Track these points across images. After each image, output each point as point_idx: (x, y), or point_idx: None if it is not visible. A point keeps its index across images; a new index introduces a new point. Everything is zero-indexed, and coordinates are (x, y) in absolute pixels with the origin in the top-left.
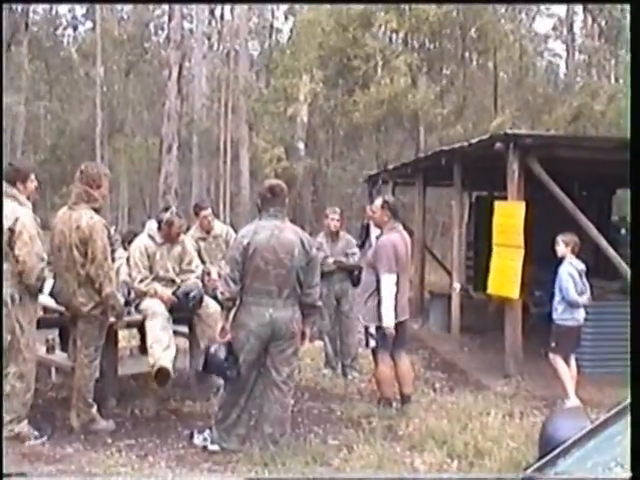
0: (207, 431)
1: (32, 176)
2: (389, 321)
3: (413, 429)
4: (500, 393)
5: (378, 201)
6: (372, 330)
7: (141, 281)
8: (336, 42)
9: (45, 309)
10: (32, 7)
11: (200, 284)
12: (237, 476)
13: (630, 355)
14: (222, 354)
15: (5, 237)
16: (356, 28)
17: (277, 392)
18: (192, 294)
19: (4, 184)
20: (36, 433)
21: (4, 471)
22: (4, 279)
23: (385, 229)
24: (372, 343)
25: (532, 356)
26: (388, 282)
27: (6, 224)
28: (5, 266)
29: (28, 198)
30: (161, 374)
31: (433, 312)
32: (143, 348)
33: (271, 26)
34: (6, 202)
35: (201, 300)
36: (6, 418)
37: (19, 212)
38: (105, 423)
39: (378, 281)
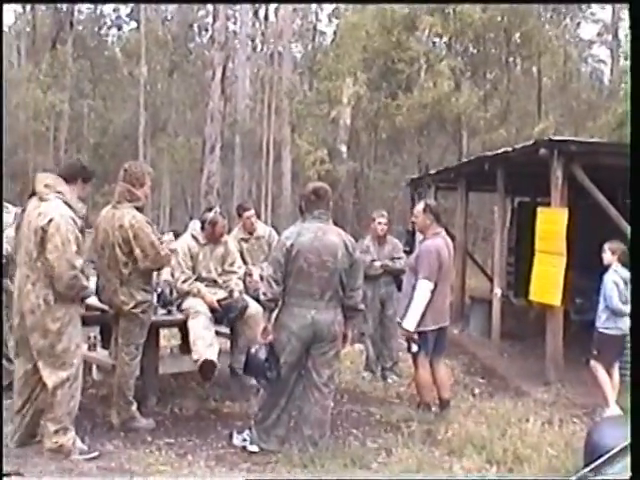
0: (246, 431)
1: (91, 181)
2: (410, 324)
3: (452, 434)
4: (540, 400)
5: (420, 205)
6: (412, 335)
7: (184, 281)
8: (380, 45)
9: (87, 307)
10: (77, 6)
11: (242, 287)
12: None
13: (631, 360)
14: (263, 355)
15: (37, 236)
16: (400, 31)
17: (317, 394)
18: (232, 315)
19: (55, 179)
20: (84, 448)
21: (4, 470)
22: (37, 279)
23: (428, 234)
24: (414, 347)
25: (573, 363)
26: (423, 288)
27: (39, 222)
28: (39, 265)
29: (82, 200)
30: (206, 367)
31: (473, 317)
32: (184, 348)
33: (315, 28)
34: (48, 198)
35: (242, 314)
36: (50, 428)
37: (57, 212)
38: (145, 421)
39: None
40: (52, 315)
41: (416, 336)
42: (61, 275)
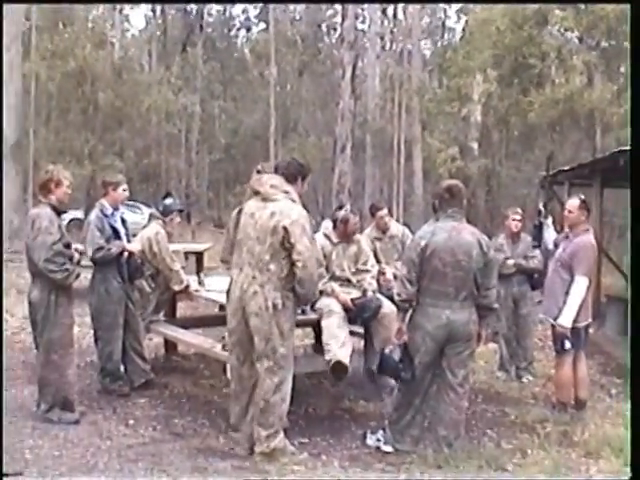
0: (380, 431)
1: (308, 178)
2: (567, 320)
3: (589, 435)
4: None
5: (575, 200)
6: (567, 332)
7: None
8: (511, 41)
9: (221, 307)
10: (207, 9)
11: (376, 286)
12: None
13: (631, 359)
14: (397, 355)
15: (275, 236)
16: (532, 26)
17: (452, 394)
18: (366, 314)
19: (279, 179)
20: (294, 450)
21: (4, 470)
22: (267, 281)
23: (579, 229)
24: (567, 345)
25: None
26: (581, 284)
27: (277, 222)
28: (272, 267)
29: (300, 197)
30: (338, 369)
31: (609, 316)
32: (317, 347)
33: (443, 25)
34: (279, 197)
35: (376, 314)
36: (262, 433)
37: (295, 211)
38: None
39: (571, 282)
40: (278, 318)
41: (568, 333)
42: (312, 275)
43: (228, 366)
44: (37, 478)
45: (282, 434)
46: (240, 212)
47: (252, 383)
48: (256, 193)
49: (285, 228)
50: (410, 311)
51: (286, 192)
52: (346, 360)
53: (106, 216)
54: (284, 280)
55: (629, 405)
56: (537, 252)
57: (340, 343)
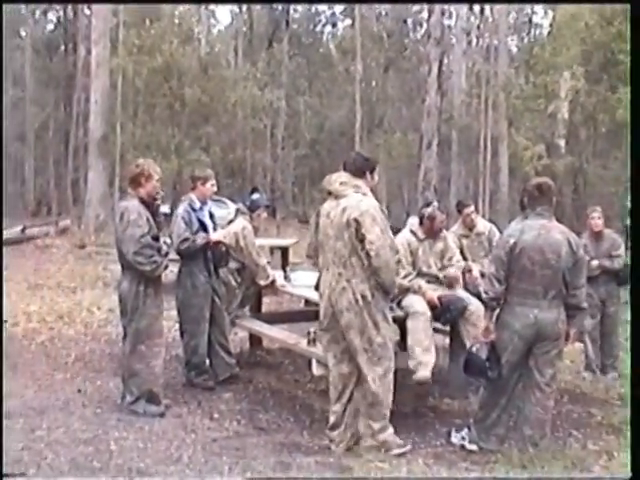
0: (465, 430)
1: (377, 170)
2: None
3: None
4: None
5: None
6: None
7: (405, 277)
8: (599, 36)
9: (307, 302)
10: (292, 5)
11: (462, 283)
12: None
13: (630, 357)
14: (484, 354)
15: (349, 230)
16: (621, 22)
17: (539, 394)
18: (452, 312)
19: (347, 176)
20: (399, 442)
21: (4, 471)
22: (353, 275)
23: None
24: None
25: None
26: None
27: (349, 216)
28: (354, 261)
29: (372, 190)
30: (420, 381)
31: None
32: (402, 344)
33: (530, 21)
34: (349, 192)
35: (462, 312)
36: (374, 426)
37: (365, 203)
38: None
39: None
40: (369, 310)
41: None
42: (388, 262)
43: (314, 362)
44: (38, 478)
45: (391, 429)
46: (318, 215)
47: (354, 379)
48: (329, 193)
49: (356, 220)
50: (498, 309)
51: (356, 186)
52: (427, 373)
53: (194, 210)
54: (368, 272)
55: (630, 405)
56: (622, 250)
57: (424, 350)
